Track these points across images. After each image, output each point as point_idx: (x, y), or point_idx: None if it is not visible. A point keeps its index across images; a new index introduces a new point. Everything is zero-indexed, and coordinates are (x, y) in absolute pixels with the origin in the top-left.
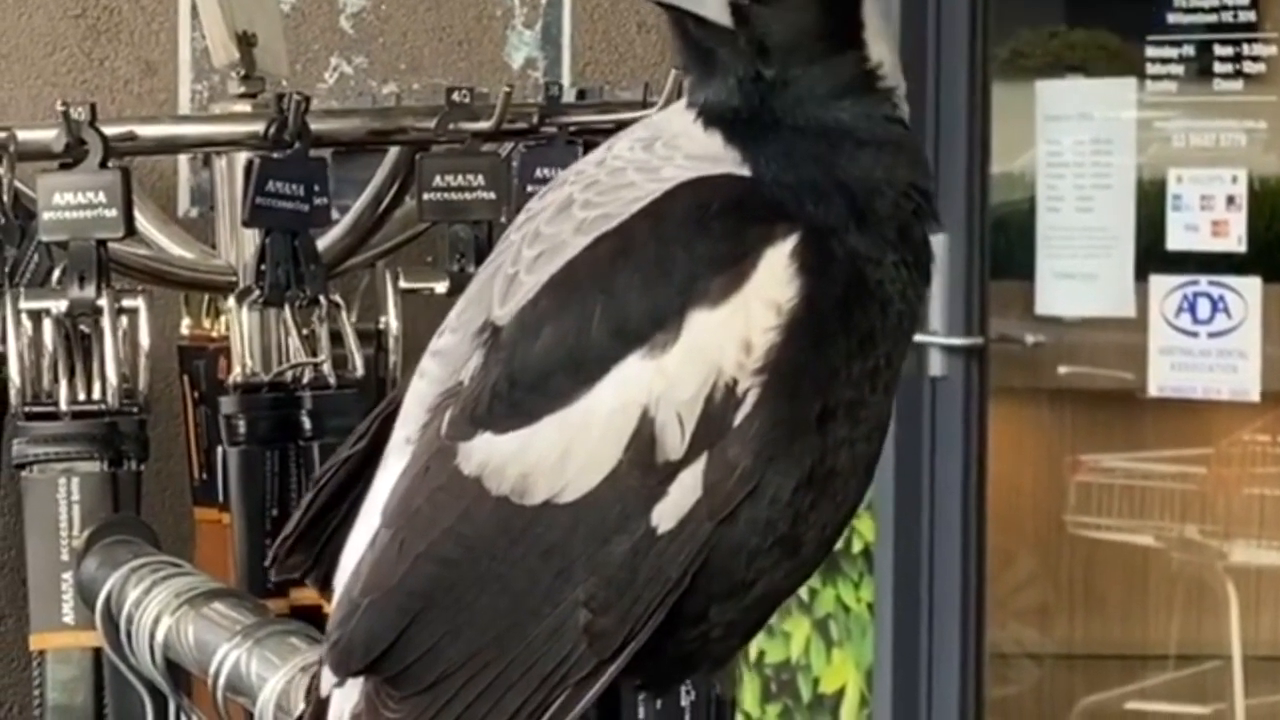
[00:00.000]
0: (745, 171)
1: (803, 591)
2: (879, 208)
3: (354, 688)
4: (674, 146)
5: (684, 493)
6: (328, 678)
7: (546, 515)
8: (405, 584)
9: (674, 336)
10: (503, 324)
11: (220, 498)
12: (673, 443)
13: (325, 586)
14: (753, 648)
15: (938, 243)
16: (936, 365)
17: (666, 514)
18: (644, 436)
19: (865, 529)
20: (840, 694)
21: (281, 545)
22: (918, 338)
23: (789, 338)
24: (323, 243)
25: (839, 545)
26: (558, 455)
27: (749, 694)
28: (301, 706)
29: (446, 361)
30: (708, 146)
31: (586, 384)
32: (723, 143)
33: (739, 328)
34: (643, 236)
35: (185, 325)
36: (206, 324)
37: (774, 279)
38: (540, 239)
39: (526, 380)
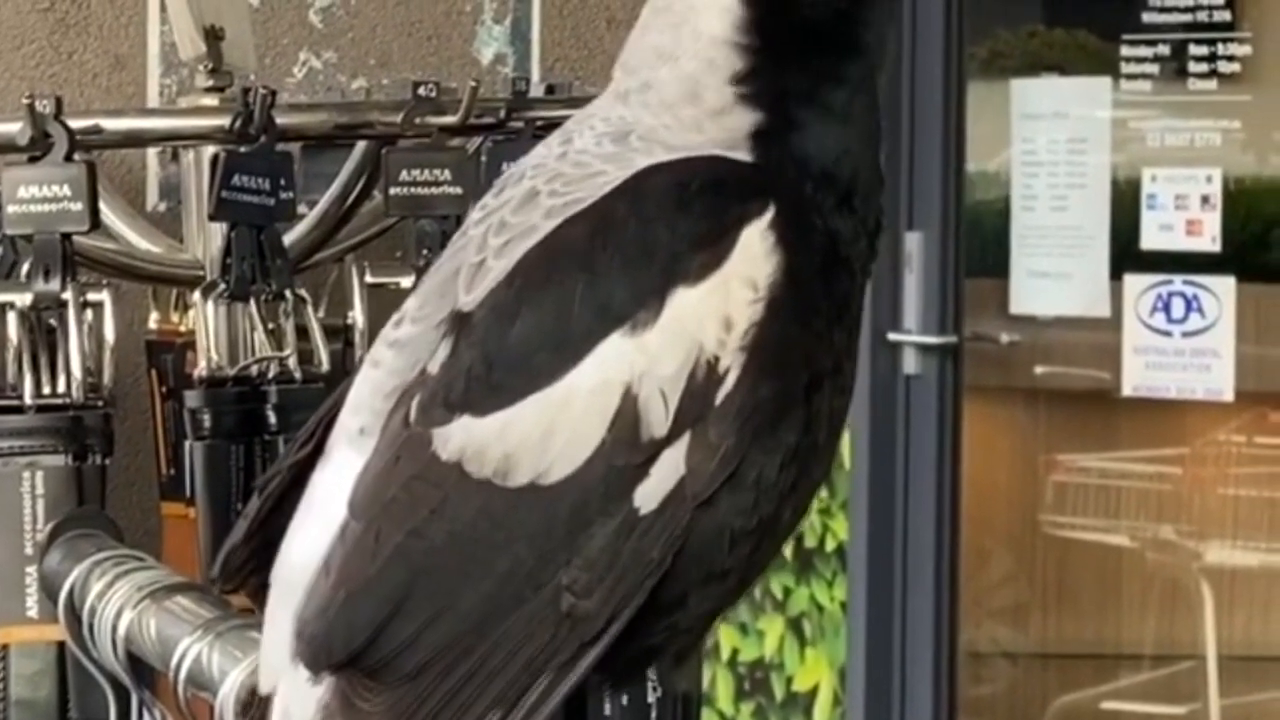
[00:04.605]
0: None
1: (776, 590)
2: (849, 179)
3: (321, 682)
4: (653, 140)
5: (666, 473)
6: (285, 674)
7: (530, 497)
8: (384, 575)
9: (655, 314)
10: (471, 309)
11: (188, 493)
12: (656, 419)
13: (260, 592)
14: (726, 646)
15: (913, 240)
16: (911, 363)
17: (649, 495)
18: (627, 414)
19: (839, 527)
20: (814, 693)
21: (230, 554)
22: (892, 335)
23: (770, 314)
24: (290, 237)
25: (813, 544)
26: (540, 434)
27: (722, 692)
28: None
29: (407, 351)
30: (692, 139)
31: (568, 362)
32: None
33: (718, 305)
34: (622, 214)
35: (153, 320)
36: (174, 318)
37: (751, 256)
38: (507, 227)
39: (505, 361)
